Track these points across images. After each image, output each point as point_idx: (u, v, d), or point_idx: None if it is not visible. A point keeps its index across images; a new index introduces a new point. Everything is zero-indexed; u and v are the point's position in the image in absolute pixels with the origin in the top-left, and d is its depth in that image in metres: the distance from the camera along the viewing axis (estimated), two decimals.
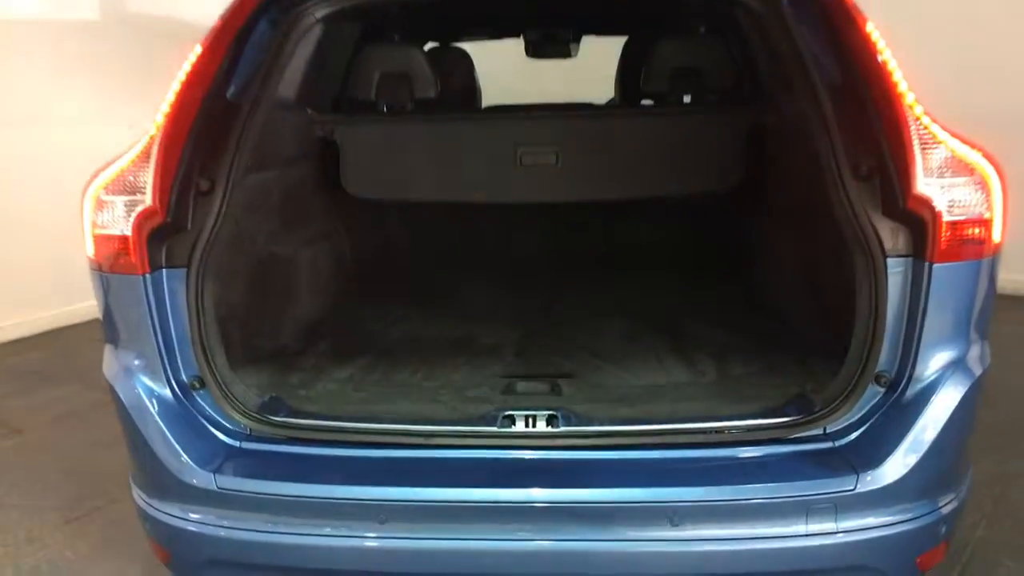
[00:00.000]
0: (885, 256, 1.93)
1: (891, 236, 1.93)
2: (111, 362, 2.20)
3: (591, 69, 4.80)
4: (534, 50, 4.68)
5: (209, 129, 2.17)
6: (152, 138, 2.08)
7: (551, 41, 4.43)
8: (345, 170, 3.23)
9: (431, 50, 4.72)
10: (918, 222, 1.89)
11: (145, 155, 2.08)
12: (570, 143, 3.15)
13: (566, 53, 4.74)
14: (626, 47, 4.15)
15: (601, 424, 2.07)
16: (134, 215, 2.04)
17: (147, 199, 2.04)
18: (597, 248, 3.80)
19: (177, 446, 2.08)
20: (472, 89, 4.34)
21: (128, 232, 2.04)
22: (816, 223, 2.62)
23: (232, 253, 2.53)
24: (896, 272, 1.93)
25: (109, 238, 2.09)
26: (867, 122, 1.96)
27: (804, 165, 2.72)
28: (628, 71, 4.01)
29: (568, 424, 2.06)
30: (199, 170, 2.14)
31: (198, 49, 2.23)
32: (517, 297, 3.26)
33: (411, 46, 3.35)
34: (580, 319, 2.95)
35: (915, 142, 1.87)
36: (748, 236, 3.35)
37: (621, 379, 2.40)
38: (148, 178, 2.05)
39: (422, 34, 4.95)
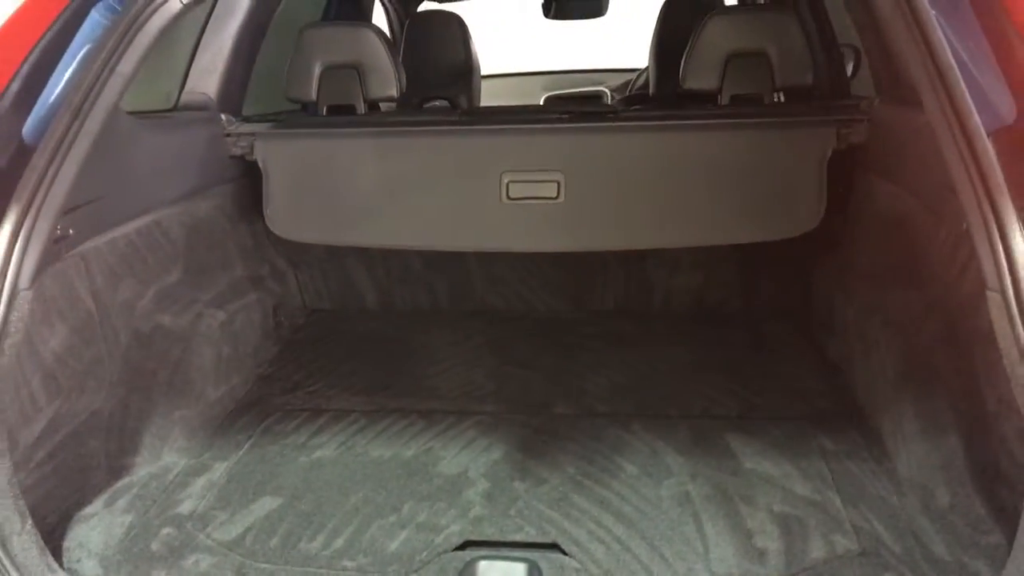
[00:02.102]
0: None
1: None
2: None
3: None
4: (554, 9, 3.86)
5: None
6: None
7: None
8: (268, 201, 2.38)
9: (416, 16, 3.87)
10: None
11: None
12: (578, 167, 2.25)
13: (594, 11, 3.90)
14: (670, 3, 3.24)
15: None
16: None
17: None
18: (616, 297, 2.86)
19: None
20: (463, 72, 3.47)
21: None
22: (928, 305, 1.78)
23: (85, 345, 1.78)
24: None
25: None
26: None
27: (913, 209, 1.86)
28: (668, 40, 3.09)
29: None
30: None
31: None
32: (505, 380, 2.37)
33: (363, 28, 2.49)
34: (585, 426, 2.09)
35: None
36: (820, 295, 2.47)
37: (636, 563, 1.58)
38: None
39: None
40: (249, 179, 2.50)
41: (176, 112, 2.41)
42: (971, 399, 1.59)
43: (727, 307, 2.76)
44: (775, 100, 2.42)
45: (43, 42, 1.50)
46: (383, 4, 4.12)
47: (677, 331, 2.64)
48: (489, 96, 4.42)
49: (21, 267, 1.37)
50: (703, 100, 2.38)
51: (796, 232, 2.23)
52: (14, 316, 1.37)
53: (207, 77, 2.49)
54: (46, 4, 1.54)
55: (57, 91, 1.51)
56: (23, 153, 1.44)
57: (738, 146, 2.23)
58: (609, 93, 4.88)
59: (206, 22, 2.47)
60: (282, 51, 2.60)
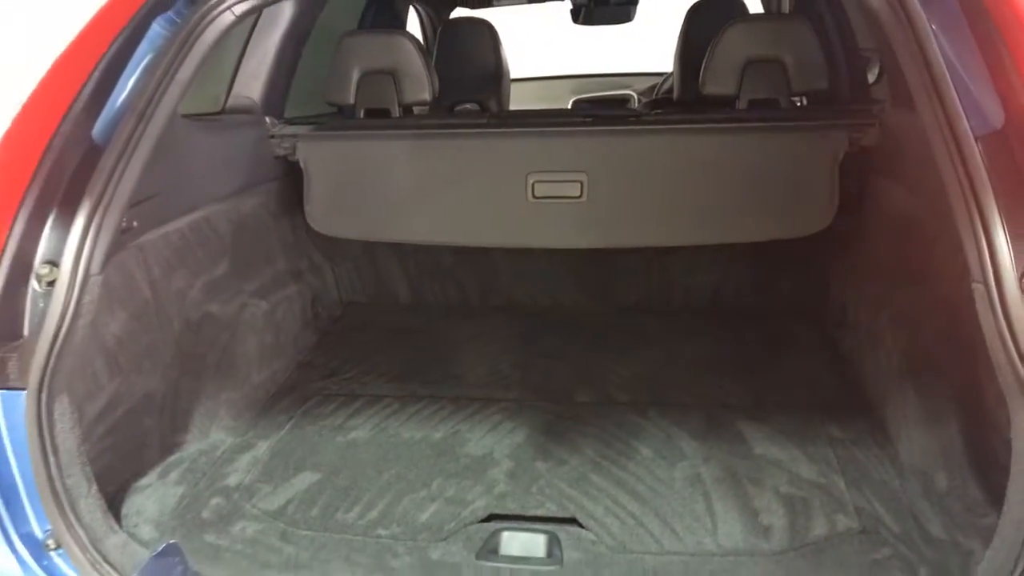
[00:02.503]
0: None
1: None
2: None
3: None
4: (583, 15, 3.96)
5: (58, 188, 1.53)
6: None
7: (603, 3, 3.69)
8: (308, 199, 2.52)
9: (448, 23, 4.00)
10: None
11: None
12: (601, 168, 2.37)
13: (623, 17, 4.00)
14: (694, 9, 3.35)
15: None
16: None
17: None
18: (637, 293, 2.97)
19: None
20: (493, 77, 3.59)
21: None
22: (932, 302, 1.87)
23: (143, 330, 1.94)
24: None
25: None
26: None
27: (920, 211, 1.95)
28: (693, 43, 3.20)
29: None
30: (40, 252, 1.51)
31: (51, 65, 1.60)
32: (529, 369, 2.50)
33: (399, 35, 2.63)
34: (605, 414, 2.20)
35: None
36: (832, 292, 2.56)
37: (649, 537, 1.69)
38: None
39: (447, 1, 4.25)
40: (291, 178, 2.65)
41: (224, 115, 2.57)
42: (971, 391, 1.68)
43: (743, 304, 2.86)
44: (793, 104, 2.52)
45: (110, 52, 1.65)
46: (417, 11, 4.26)
47: (695, 326, 2.75)
48: (519, 100, 4.54)
49: (93, 254, 1.52)
50: (723, 104, 2.48)
51: (809, 231, 2.32)
52: (86, 299, 1.52)
53: (252, 82, 2.64)
54: (113, 17, 1.68)
55: (123, 96, 1.66)
56: (93, 153, 1.59)
57: (753, 148, 2.33)
58: (636, 96, 4.97)
59: (251, 31, 2.63)
60: (320, 58, 2.76)
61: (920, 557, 1.58)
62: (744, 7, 3.38)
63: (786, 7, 3.48)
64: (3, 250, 1.46)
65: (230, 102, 2.61)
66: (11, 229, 1.47)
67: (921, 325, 1.95)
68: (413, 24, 4.34)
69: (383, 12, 3.64)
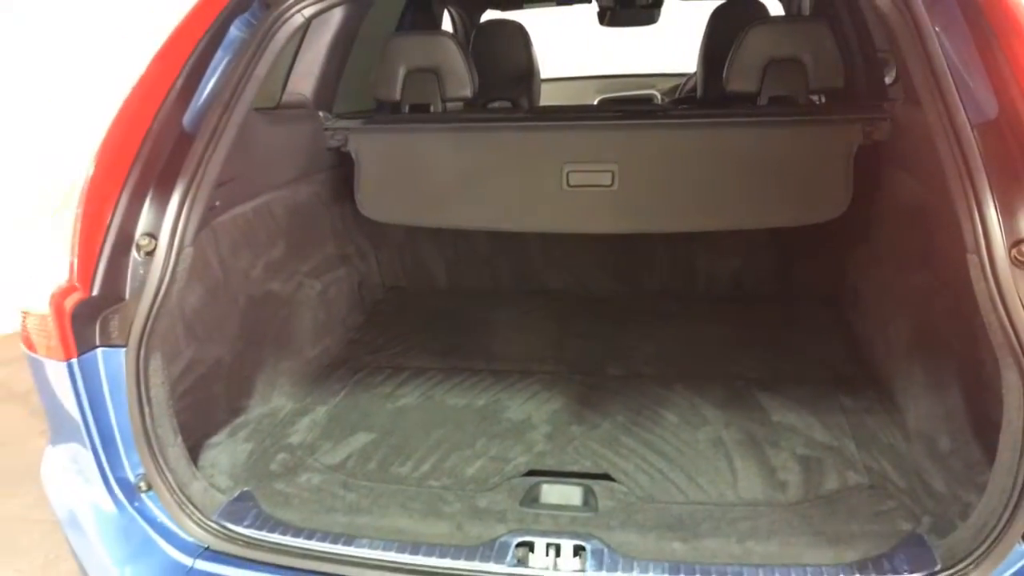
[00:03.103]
0: None
1: None
2: (46, 462, 1.83)
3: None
4: (609, 17, 4.12)
5: (155, 170, 1.74)
6: (79, 184, 1.67)
7: (628, 5, 3.86)
8: (359, 187, 2.73)
9: (482, 25, 4.19)
10: None
11: (68, 211, 1.66)
12: (630, 159, 2.55)
13: (647, 19, 4.16)
14: (717, 13, 3.52)
15: (644, 570, 1.57)
16: (51, 291, 1.62)
17: (64, 271, 1.61)
18: (663, 279, 3.17)
19: (114, 567, 1.69)
20: (525, 76, 3.77)
21: (46, 311, 1.62)
22: (938, 282, 2.03)
23: (214, 303, 2.14)
24: None
25: (29, 316, 1.68)
26: None
27: (928, 199, 2.12)
28: (716, 44, 3.37)
29: (600, 565, 1.58)
30: (140, 224, 1.71)
31: (147, 64, 1.80)
32: (563, 347, 2.70)
33: (442, 36, 2.82)
34: (633, 385, 2.39)
35: None
36: (849, 278, 2.73)
37: (675, 488, 1.88)
38: (65, 243, 1.62)
39: (479, 4, 4.43)
40: (340, 169, 2.85)
41: (281, 109, 2.77)
42: (972, 361, 1.83)
43: (763, 289, 3.04)
44: (812, 101, 2.68)
45: (196, 50, 1.84)
46: (450, 14, 4.46)
47: (717, 309, 2.93)
48: (547, 98, 4.72)
49: (187, 229, 1.72)
50: (745, 101, 2.65)
51: (824, 218, 2.49)
52: (180, 267, 1.72)
53: (304, 79, 2.84)
54: (197, 20, 1.88)
55: (208, 90, 1.86)
56: (184, 139, 1.79)
57: (773, 141, 2.50)
58: (659, 96, 5.14)
59: (304, 33, 2.83)
60: (363, 57, 2.96)
61: (923, 508, 1.74)
62: (765, 9, 3.54)
63: (806, 10, 3.64)
64: (109, 224, 1.66)
65: (284, 98, 2.81)
66: (116, 205, 1.67)
67: (928, 304, 2.12)
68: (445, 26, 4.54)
69: (420, 15, 3.84)
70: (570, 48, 6.58)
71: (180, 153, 1.76)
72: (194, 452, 2.03)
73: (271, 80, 2.82)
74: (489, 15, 4.54)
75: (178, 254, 1.70)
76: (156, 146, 1.74)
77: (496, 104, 3.87)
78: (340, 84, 3.02)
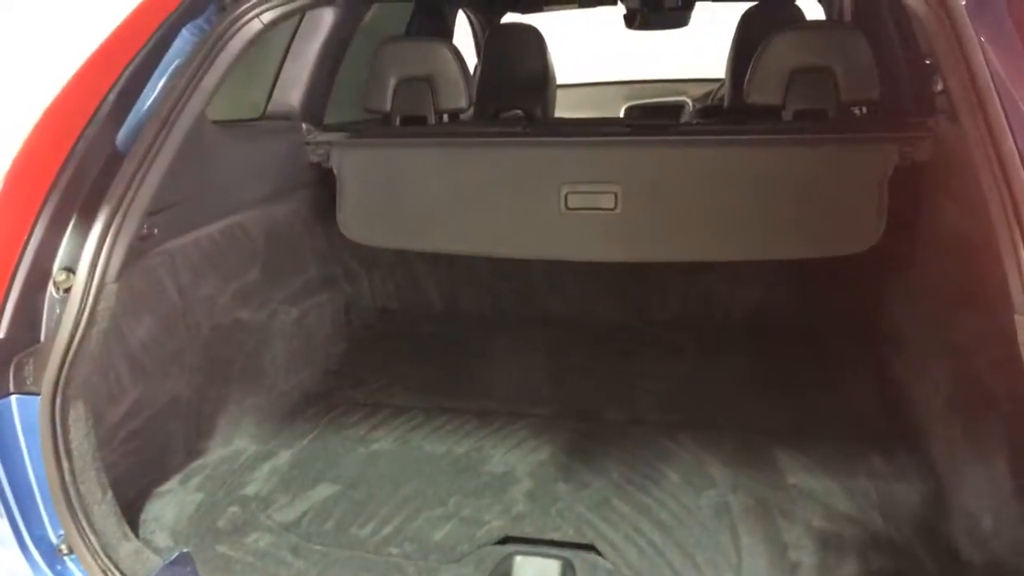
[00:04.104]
0: None
1: None
2: None
3: None
4: (639, 19, 3.89)
5: (78, 195, 1.54)
6: None
7: (657, 8, 3.61)
8: (341, 206, 2.50)
9: (494, 29, 3.97)
10: None
11: None
12: (635, 180, 2.29)
13: (678, 22, 3.91)
14: (747, 15, 3.25)
15: None
16: None
17: None
18: (675, 309, 2.89)
19: None
20: (539, 84, 3.54)
21: None
22: (987, 328, 1.74)
23: (169, 335, 1.94)
24: None
25: None
26: None
27: (974, 234, 1.83)
28: (745, 50, 3.10)
29: None
30: (59, 257, 1.52)
31: (75, 71, 1.61)
32: (560, 384, 2.45)
33: (436, 43, 2.60)
34: (633, 434, 2.13)
35: None
36: (882, 317, 2.44)
37: (668, 568, 1.62)
38: None
39: (497, 6, 4.22)
40: (324, 185, 2.64)
41: (262, 121, 2.58)
42: (1022, 425, 1.57)
43: (788, 322, 2.74)
44: (845, 114, 2.40)
45: (137, 58, 1.65)
46: (468, 17, 4.25)
47: (735, 343, 2.65)
48: (571, 106, 4.48)
49: (109, 262, 1.52)
50: (768, 114, 2.38)
51: (853, 250, 2.21)
52: (101, 306, 1.52)
53: (292, 88, 2.64)
54: (141, 23, 1.69)
55: (148, 103, 1.67)
56: (115, 160, 1.59)
57: (795, 163, 2.23)
58: (691, 103, 4.87)
59: (292, 38, 2.63)
60: (366, 64, 2.75)
61: None
62: (800, 12, 3.27)
63: (848, 14, 3.35)
64: (21, 256, 1.47)
65: (270, 108, 2.62)
66: (30, 235, 1.48)
67: (973, 354, 1.83)
68: (464, 30, 4.34)
69: (429, 18, 3.63)
70: (600, 51, 6.32)
71: (109, 175, 1.57)
72: (139, 502, 1.85)
73: (256, 90, 2.63)
74: (509, 17, 4.33)
75: (99, 291, 1.51)
76: (81, 167, 1.55)
77: (508, 114, 3.65)
78: (333, 94, 2.82)
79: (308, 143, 2.54)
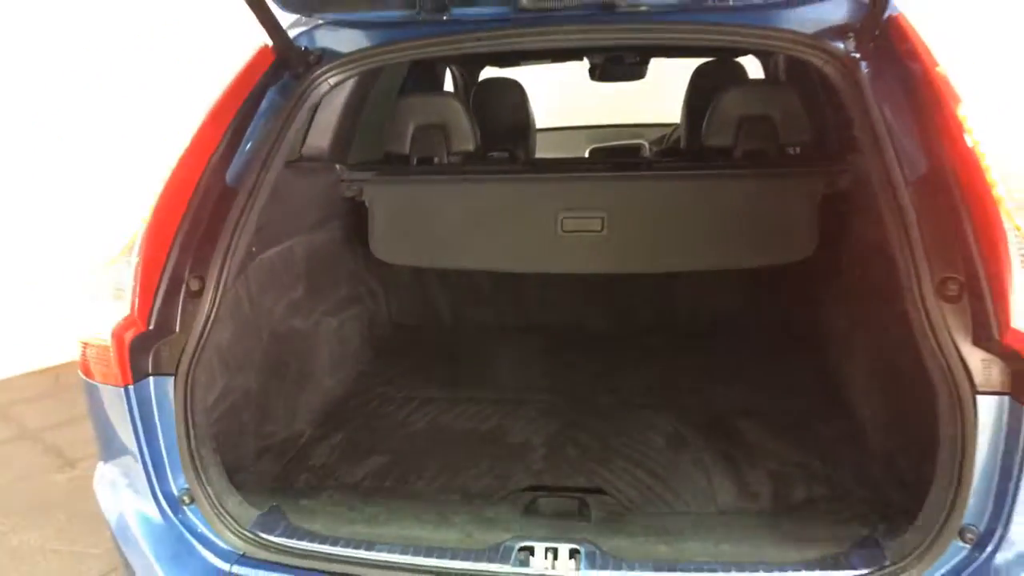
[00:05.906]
0: (975, 393, 1.59)
1: (983, 369, 1.59)
2: (99, 476, 2.04)
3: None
4: (600, 73, 4.42)
5: (203, 220, 1.99)
6: (138, 233, 1.92)
7: (618, 63, 4.16)
8: (373, 233, 3.01)
9: (483, 83, 4.50)
10: (1016, 356, 1.54)
11: (130, 252, 1.91)
12: (618, 208, 2.84)
13: (635, 75, 4.46)
14: (698, 72, 3.83)
15: (631, 569, 1.78)
16: (114, 323, 1.86)
17: (127, 306, 1.86)
18: (648, 317, 3.45)
19: (159, 570, 1.89)
20: (522, 129, 4.07)
21: (108, 342, 1.86)
22: (894, 316, 2.28)
23: (244, 338, 2.37)
24: (988, 412, 1.59)
25: (89, 346, 1.91)
26: (957, 229, 1.64)
27: (883, 244, 2.38)
28: (698, 100, 3.67)
29: (592, 565, 1.79)
30: (189, 267, 1.96)
31: (196, 127, 2.06)
32: (556, 378, 2.97)
33: (448, 97, 3.12)
34: (623, 412, 2.64)
35: (1014, 262, 1.54)
36: (818, 314, 2.99)
37: (661, 501, 2.11)
38: (129, 281, 1.87)
39: (478, 62, 4.75)
40: (353, 216, 3.12)
41: (301, 162, 3.04)
42: (926, 387, 2.08)
43: (740, 325, 3.30)
44: (782, 154, 2.98)
45: (237, 116, 2.12)
46: (451, 71, 4.77)
47: (698, 344, 3.19)
48: (541, 148, 5.02)
49: (229, 271, 1.97)
50: (722, 153, 2.94)
51: (793, 259, 2.77)
52: (223, 306, 1.96)
53: (323, 135, 3.11)
54: (240, 87, 2.16)
55: (247, 149, 2.13)
56: (227, 192, 2.05)
57: (746, 192, 2.79)
58: (647, 145, 5.45)
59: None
60: (376, 113, 3.24)
61: (879, 516, 1.95)
62: (742, 69, 3.86)
63: (783, 72, 3.96)
64: (164, 267, 1.91)
65: (304, 151, 3.08)
66: (170, 250, 1.92)
67: (885, 338, 2.37)
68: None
69: (423, 75, 4.14)
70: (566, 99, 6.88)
71: (224, 205, 2.02)
72: (227, 473, 2.25)
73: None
74: (488, 72, 4.86)
75: (223, 293, 1.95)
76: (204, 199, 1.99)
77: (495, 154, 4.16)
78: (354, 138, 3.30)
79: (343, 180, 3.02)
